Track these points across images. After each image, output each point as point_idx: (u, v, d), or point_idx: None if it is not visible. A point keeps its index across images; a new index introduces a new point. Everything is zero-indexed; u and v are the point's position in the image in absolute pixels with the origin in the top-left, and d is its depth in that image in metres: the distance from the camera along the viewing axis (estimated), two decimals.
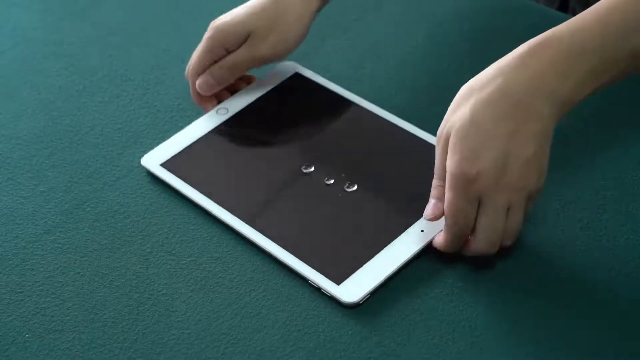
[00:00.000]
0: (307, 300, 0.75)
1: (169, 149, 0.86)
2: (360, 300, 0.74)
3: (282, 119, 0.88)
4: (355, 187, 0.81)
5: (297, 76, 0.91)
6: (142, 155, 0.87)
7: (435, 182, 0.76)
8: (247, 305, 0.75)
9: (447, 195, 0.73)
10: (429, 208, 0.76)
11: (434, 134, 0.75)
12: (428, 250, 0.77)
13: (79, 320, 0.75)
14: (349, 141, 0.86)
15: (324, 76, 0.92)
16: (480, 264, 0.76)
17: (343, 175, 0.82)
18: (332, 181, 0.82)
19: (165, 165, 0.84)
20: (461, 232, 0.74)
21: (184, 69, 0.96)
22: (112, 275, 0.78)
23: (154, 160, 0.85)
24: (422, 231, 0.77)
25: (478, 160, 0.72)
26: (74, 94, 0.94)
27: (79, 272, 0.78)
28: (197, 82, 0.89)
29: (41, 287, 0.78)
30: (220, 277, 0.77)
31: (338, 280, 0.74)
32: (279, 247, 0.77)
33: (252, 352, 0.72)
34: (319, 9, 0.89)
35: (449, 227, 0.75)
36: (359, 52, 0.96)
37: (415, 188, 0.80)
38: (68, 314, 0.76)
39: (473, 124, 0.72)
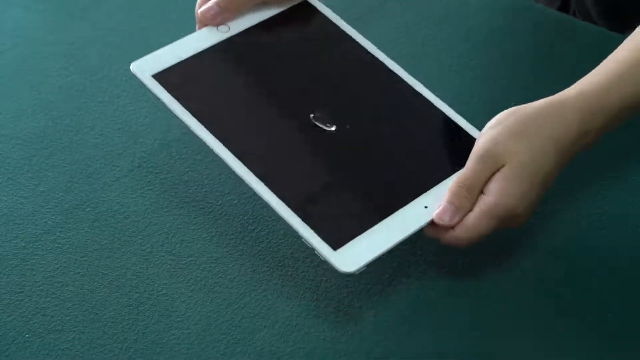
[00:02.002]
0: (307, 300, 0.75)
1: (162, 60, 0.80)
2: (357, 272, 0.70)
3: (286, 49, 0.83)
4: (361, 143, 0.76)
5: (305, 4, 0.85)
6: (142, 155, 0.87)
7: (460, 191, 0.74)
8: (247, 305, 0.75)
9: (486, 221, 0.73)
10: (446, 214, 0.74)
11: None
12: (427, 248, 0.77)
13: (79, 320, 0.75)
14: (356, 89, 0.81)
15: None
16: (481, 263, 0.76)
17: (348, 127, 0.77)
18: (334, 128, 0.77)
19: (157, 77, 0.79)
20: (464, 247, 0.74)
21: None
22: (112, 275, 0.78)
23: (145, 69, 0.80)
24: (425, 207, 0.74)
25: (522, 201, 0.73)
26: (74, 94, 0.94)
27: (79, 272, 0.78)
28: (200, 11, 0.83)
29: (41, 287, 0.78)
30: (220, 277, 0.77)
31: (335, 245, 0.70)
32: (275, 196, 0.72)
33: (252, 352, 0.72)
34: None
35: (461, 242, 0.73)
36: None
37: (422, 159, 0.77)
38: (68, 314, 0.76)
39: (531, 169, 0.73)
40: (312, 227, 0.71)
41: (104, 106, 0.93)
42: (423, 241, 0.77)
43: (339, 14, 1.00)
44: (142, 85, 0.80)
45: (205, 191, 0.84)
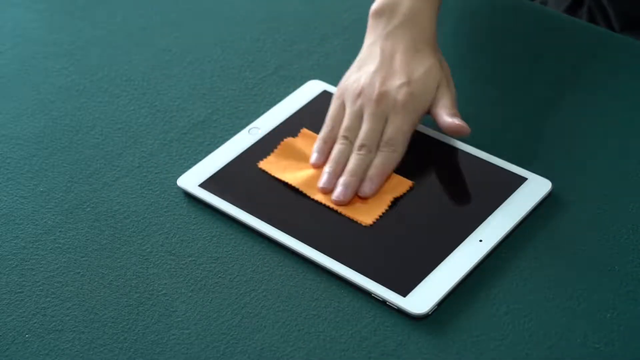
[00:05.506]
0: (307, 300, 0.75)
1: (204, 170, 0.84)
2: (429, 311, 0.73)
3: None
4: (404, 199, 0.81)
5: (325, 94, 0.91)
6: (142, 155, 0.87)
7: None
8: (247, 305, 0.75)
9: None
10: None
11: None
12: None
13: (79, 320, 0.75)
14: None
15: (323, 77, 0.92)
16: (479, 265, 0.76)
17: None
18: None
19: (203, 185, 0.83)
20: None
21: (184, 69, 0.96)
22: (112, 275, 0.78)
23: (190, 181, 0.83)
24: (480, 241, 0.77)
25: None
26: (74, 94, 0.94)
27: (79, 272, 0.78)
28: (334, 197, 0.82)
29: (41, 287, 0.78)
30: (220, 277, 0.77)
31: (404, 292, 0.74)
32: (341, 264, 0.76)
33: (252, 352, 0.72)
34: None
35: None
36: (359, 52, 0.96)
37: (463, 200, 0.81)
38: (68, 314, 0.76)
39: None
40: (379, 282, 0.75)
41: (104, 106, 0.93)
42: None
43: (340, 15, 1.00)
44: (189, 195, 0.83)
45: None
